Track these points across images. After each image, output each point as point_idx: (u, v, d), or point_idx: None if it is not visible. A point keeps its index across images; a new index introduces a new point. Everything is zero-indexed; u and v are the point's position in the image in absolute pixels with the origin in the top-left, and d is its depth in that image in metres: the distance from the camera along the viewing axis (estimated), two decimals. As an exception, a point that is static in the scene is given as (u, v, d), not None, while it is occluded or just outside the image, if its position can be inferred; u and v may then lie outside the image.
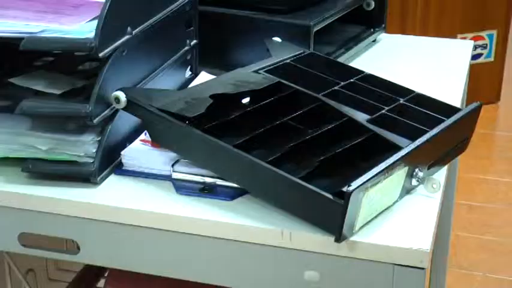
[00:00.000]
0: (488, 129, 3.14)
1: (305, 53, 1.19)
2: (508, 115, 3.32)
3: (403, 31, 2.99)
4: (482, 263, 2.35)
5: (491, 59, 3.28)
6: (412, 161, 0.94)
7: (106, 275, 1.34)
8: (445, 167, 1.05)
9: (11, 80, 1.08)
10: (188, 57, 1.24)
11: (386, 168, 0.88)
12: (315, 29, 1.28)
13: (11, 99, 1.04)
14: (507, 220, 2.57)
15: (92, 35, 0.95)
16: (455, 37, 3.06)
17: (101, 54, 0.96)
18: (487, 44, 3.25)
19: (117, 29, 1.00)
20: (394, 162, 0.89)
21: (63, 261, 1.40)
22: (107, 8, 0.96)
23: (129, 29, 1.03)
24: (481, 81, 3.21)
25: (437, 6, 3.12)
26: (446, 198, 1.41)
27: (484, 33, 3.23)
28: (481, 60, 3.25)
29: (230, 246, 0.94)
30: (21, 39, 0.96)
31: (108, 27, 0.96)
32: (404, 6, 3.11)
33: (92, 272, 1.35)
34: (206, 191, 0.98)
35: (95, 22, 0.97)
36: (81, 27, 1.00)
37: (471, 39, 3.11)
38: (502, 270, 2.32)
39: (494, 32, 3.24)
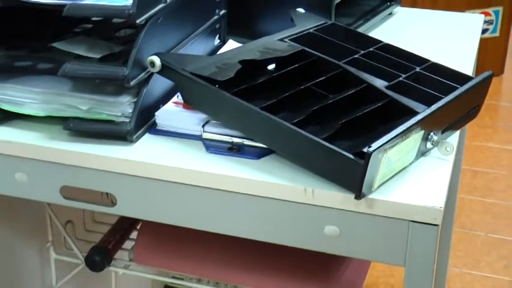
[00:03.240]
0: (493, 100, 3.12)
1: (327, 23, 1.18)
2: (512, 87, 3.30)
3: (414, 6, 2.96)
4: (485, 224, 2.36)
5: (497, 34, 3.24)
6: (428, 125, 0.94)
7: (138, 227, 1.35)
8: (457, 132, 1.05)
9: (54, 44, 1.08)
10: (217, 26, 1.23)
11: (403, 131, 0.88)
12: (336, 1, 1.27)
13: (53, 62, 1.04)
14: (509, 185, 2.56)
15: (129, 2, 0.95)
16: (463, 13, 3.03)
17: (138, 21, 0.96)
18: (493, 20, 3.21)
19: (153, -3, 1.00)
20: (411, 126, 0.89)
21: (100, 213, 1.41)
22: (143, -23, 0.95)
23: (163, -2, 1.02)
24: (487, 55, 3.18)
25: (447, -17, 3.10)
26: (454, 163, 1.41)
27: (490, 10, 3.20)
28: (487, 35, 3.22)
29: (256, 201, 0.94)
30: (64, 6, 0.96)
31: (145, -5, 0.96)
32: (415, -18, 3.08)
33: (126, 224, 1.36)
34: (234, 150, 0.98)
35: (132, -10, 0.96)
36: (119, -4, 1.00)
37: (478, 14, 3.07)
38: (502, 230, 2.32)
39: (500, 9, 3.20)
